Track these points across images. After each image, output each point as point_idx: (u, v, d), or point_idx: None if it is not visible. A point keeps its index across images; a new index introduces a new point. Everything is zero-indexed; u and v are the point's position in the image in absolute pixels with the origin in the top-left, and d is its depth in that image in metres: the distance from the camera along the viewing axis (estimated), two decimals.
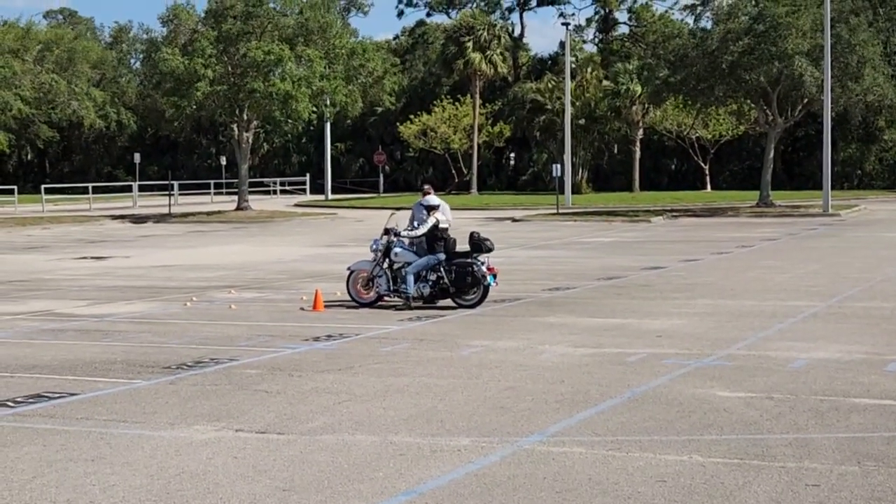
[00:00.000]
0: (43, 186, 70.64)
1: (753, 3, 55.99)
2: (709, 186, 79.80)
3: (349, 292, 20.28)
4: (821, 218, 47.99)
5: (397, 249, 20.03)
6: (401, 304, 19.73)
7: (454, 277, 19.50)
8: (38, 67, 56.73)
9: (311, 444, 9.66)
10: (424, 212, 20.42)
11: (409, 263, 19.80)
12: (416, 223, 20.42)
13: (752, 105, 58.83)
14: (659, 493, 8.15)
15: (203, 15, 61.18)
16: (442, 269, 19.59)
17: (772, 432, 9.94)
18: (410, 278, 19.61)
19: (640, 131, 79.33)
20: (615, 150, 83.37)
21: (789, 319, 17.33)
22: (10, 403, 11.60)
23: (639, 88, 71.95)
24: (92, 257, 34.08)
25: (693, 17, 61.49)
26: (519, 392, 11.81)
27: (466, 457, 9.17)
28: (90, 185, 73.23)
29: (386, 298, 20.07)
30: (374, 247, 20.38)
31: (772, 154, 56.86)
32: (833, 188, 53.82)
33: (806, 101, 54.36)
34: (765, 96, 54.73)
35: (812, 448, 9.37)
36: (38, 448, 9.67)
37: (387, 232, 20.23)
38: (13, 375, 13.30)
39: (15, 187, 71.05)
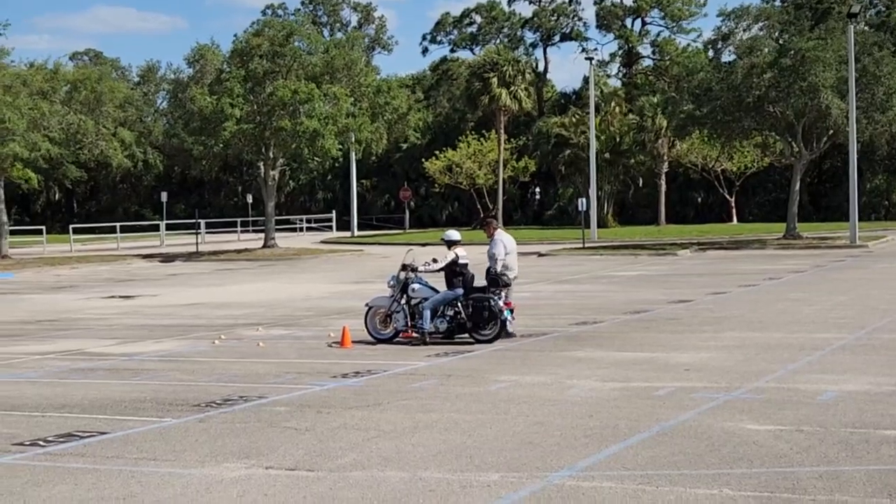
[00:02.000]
0: (71, 226, 71.10)
1: (776, 37, 56.04)
2: (735, 219, 79.70)
3: (367, 328, 20.34)
4: (848, 249, 47.79)
5: (415, 285, 20.07)
6: (417, 339, 19.76)
7: (471, 312, 19.53)
8: (65, 108, 57.10)
9: (341, 481, 9.67)
10: (497, 247, 20.32)
11: (426, 299, 19.84)
12: (490, 258, 20.36)
13: (778, 137, 58.78)
14: None
15: (229, 55, 61.65)
16: (459, 304, 19.62)
17: (802, 465, 9.90)
18: (427, 314, 19.64)
19: (666, 164, 79.37)
20: (641, 184, 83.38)
21: (818, 352, 17.26)
22: (41, 443, 11.67)
23: (664, 122, 72.01)
24: (120, 296, 34.24)
25: (714, 51, 61.62)
26: (548, 427, 11.80)
27: (496, 492, 9.17)
28: (118, 224, 73.73)
29: (405, 334, 20.09)
30: (391, 282, 20.46)
31: (798, 186, 56.72)
32: (860, 219, 53.67)
33: (831, 132, 54.24)
34: (790, 129, 54.66)
35: (843, 481, 9.33)
36: (70, 487, 9.72)
37: (404, 268, 20.30)
38: (44, 415, 13.38)
39: (44, 227, 71.54)
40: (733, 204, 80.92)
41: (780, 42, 55.29)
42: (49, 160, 60.82)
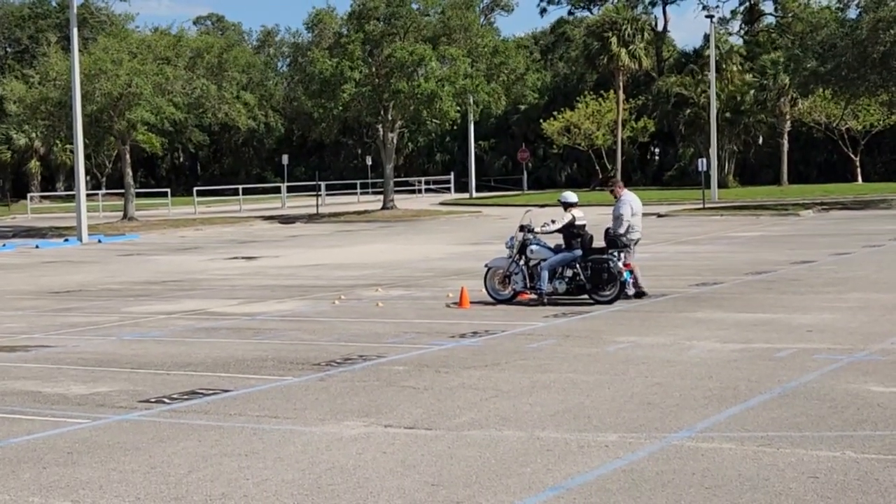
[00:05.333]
0: (195, 189, 72.34)
1: None
2: (860, 178, 78.00)
3: (486, 289, 20.41)
4: None
5: (533, 246, 20.05)
6: (535, 300, 19.75)
7: (590, 274, 19.46)
8: (189, 73, 57.99)
9: (459, 440, 9.72)
10: (624, 207, 20.36)
11: (544, 260, 19.80)
12: (615, 219, 20.39)
13: None
14: (811, 489, 8.02)
15: (346, 17, 61.95)
16: (578, 265, 19.55)
17: None
18: (545, 274, 19.60)
19: (788, 123, 77.86)
20: (762, 143, 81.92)
21: None
22: (166, 400, 11.93)
23: (786, 80, 70.68)
24: (243, 257, 34.77)
25: (840, 6, 60.19)
26: (666, 388, 11.72)
27: (614, 452, 9.15)
28: (240, 186, 74.79)
29: (523, 295, 20.10)
30: (510, 244, 20.48)
31: None
32: None
33: None
34: None
35: None
36: (194, 443, 9.92)
37: (522, 229, 20.29)
38: (169, 373, 13.67)
39: (168, 190, 72.90)
40: (858, 163, 79.17)
41: None
42: (174, 124, 61.95)
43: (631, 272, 19.68)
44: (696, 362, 13.22)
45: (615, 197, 21.00)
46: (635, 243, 20.68)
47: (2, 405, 11.92)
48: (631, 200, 20.65)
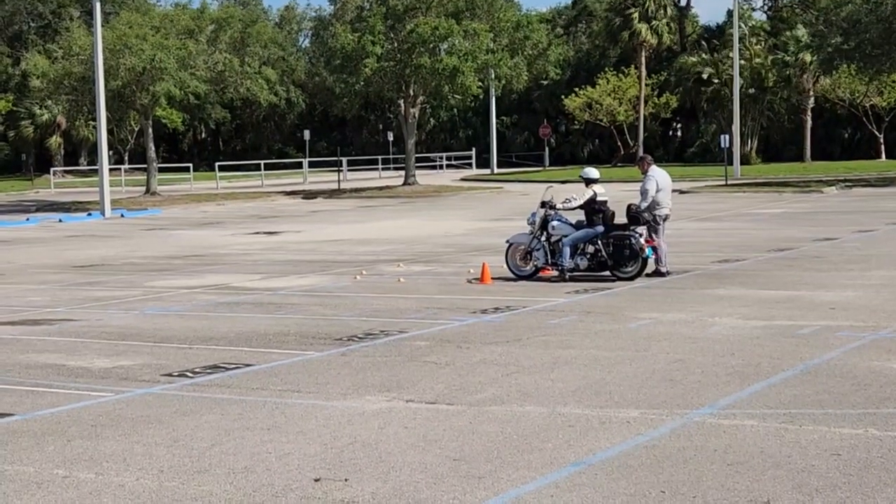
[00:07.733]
0: (217, 164, 72.44)
1: None
2: (883, 155, 77.56)
3: (508, 265, 20.40)
4: None
5: (555, 222, 19.99)
6: (557, 276, 19.71)
7: (612, 250, 19.42)
8: (211, 48, 57.97)
9: (481, 415, 9.74)
10: (649, 183, 20.24)
11: (566, 236, 19.76)
12: (641, 194, 20.30)
13: None
14: (833, 466, 8.01)
15: None
16: (600, 241, 19.50)
17: None
18: (567, 250, 19.56)
19: (812, 100, 77.42)
20: (785, 120, 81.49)
21: None
22: (189, 374, 11.98)
23: (809, 57, 70.27)
24: (265, 232, 34.83)
25: None
26: (688, 364, 11.71)
27: (636, 429, 9.14)
28: (262, 162, 74.86)
29: (545, 271, 20.07)
30: (531, 220, 20.43)
31: None
32: None
33: None
34: None
35: None
36: (217, 417, 9.96)
37: (543, 205, 20.24)
38: (191, 347, 13.72)
39: (190, 165, 73.02)
40: (882, 140, 78.72)
41: None
42: (197, 97, 61.99)
43: (653, 249, 19.63)
44: (718, 339, 13.19)
45: (643, 172, 20.87)
46: (664, 219, 20.55)
47: (26, 378, 11.99)
48: (658, 176, 20.51)
